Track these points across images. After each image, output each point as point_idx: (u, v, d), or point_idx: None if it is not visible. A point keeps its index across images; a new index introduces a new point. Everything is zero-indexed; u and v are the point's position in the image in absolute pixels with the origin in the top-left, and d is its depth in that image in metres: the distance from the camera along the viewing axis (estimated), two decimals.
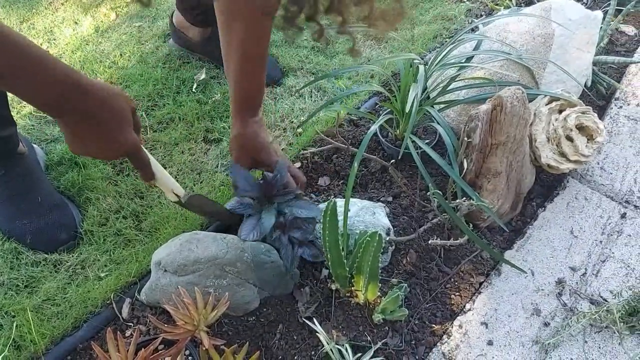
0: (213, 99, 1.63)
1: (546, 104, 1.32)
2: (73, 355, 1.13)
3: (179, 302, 0.95)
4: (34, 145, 1.45)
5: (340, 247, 1.13)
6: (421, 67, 1.16)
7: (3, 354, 1.10)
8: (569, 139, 1.29)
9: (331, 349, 1.10)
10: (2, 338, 1.12)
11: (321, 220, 1.10)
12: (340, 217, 1.12)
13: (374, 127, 1.23)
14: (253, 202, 1.19)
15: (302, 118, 1.59)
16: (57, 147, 1.48)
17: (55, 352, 1.12)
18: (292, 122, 1.60)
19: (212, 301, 0.97)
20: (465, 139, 1.19)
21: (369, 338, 1.14)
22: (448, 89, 1.35)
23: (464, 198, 1.12)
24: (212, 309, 0.95)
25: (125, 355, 0.88)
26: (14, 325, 1.13)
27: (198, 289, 0.97)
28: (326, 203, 1.08)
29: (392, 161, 1.36)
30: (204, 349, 0.91)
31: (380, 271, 1.16)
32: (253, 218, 1.16)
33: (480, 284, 1.24)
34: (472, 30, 1.64)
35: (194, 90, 1.66)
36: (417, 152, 1.24)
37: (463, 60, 1.35)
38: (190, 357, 1.04)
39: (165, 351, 0.95)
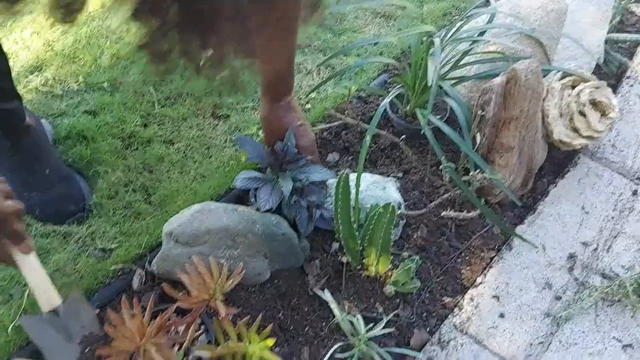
0: (221, 75, 1.61)
1: (559, 80, 1.31)
2: None
3: (193, 271, 0.94)
4: (41, 120, 1.44)
5: (352, 220, 1.12)
6: (437, 40, 1.15)
7: (13, 324, 1.09)
8: (582, 114, 1.28)
9: (342, 320, 1.10)
10: (14, 307, 1.12)
11: (333, 193, 1.10)
12: (352, 191, 1.11)
13: (386, 100, 1.23)
14: (265, 172, 1.18)
15: (311, 95, 1.58)
16: (65, 121, 1.47)
17: None
18: (300, 99, 1.58)
19: (226, 271, 0.96)
20: (479, 112, 1.19)
21: (380, 309, 1.14)
22: (460, 64, 1.34)
23: (478, 170, 1.11)
24: (227, 278, 0.95)
25: (140, 321, 0.87)
26: (25, 294, 1.13)
27: (213, 259, 0.97)
28: (338, 175, 1.08)
29: (402, 136, 1.35)
30: (220, 317, 0.90)
31: (391, 245, 1.15)
32: (266, 187, 1.15)
33: (491, 258, 1.23)
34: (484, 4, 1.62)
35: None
36: (429, 127, 1.23)
37: (475, 35, 1.33)
38: (202, 326, 1.04)
39: (180, 319, 0.95)
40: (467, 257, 1.25)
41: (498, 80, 1.16)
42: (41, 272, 0.93)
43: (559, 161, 1.42)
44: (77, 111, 1.50)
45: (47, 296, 0.93)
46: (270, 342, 0.90)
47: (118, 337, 0.86)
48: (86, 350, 0.92)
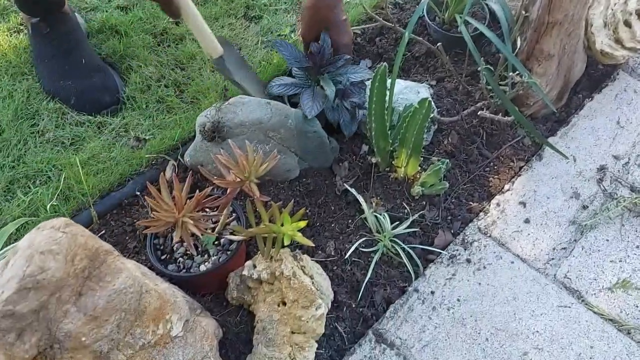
0: None
1: None
2: (119, 210, 1.17)
3: (227, 157, 0.96)
4: (75, 14, 1.43)
5: (385, 119, 1.12)
6: None
7: (51, 203, 1.14)
8: (627, 24, 1.24)
9: (369, 215, 1.12)
10: (51, 189, 1.16)
11: (369, 88, 1.09)
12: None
13: None
14: (303, 76, 1.18)
15: None
16: (97, 15, 1.46)
17: (102, 205, 1.15)
18: None
19: (261, 155, 0.97)
20: (523, 12, 1.15)
21: (407, 209, 1.16)
22: None
23: (517, 73, 1.09)
24: (261, 163, 0.96)
25: (179, 196, 0.90)
26: (62, 177, 1.17)
27: (249, 143, 0.98)
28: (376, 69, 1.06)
29: (439, 43, 1.32)
30: (256, 197, 0.92)
31: (421, 148, 1.15)
32: (307, 92, 1.14)
33: (520, 168, 1.23)
34: None
35: None
36: (468, 32, 1.20)
37: None
38: (234, 214, 1.07)
39: (215, 199, 0.97)
40: (495, 167, 1.25)
41: None
42: (202, 20, 0.95)
43: (596, 78, 1.38)
44: (109, 6, 1.49)
45: (213, 44, 0.98)
46: (303, 224, 0.93)
47: (159, 209, 0.89)
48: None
